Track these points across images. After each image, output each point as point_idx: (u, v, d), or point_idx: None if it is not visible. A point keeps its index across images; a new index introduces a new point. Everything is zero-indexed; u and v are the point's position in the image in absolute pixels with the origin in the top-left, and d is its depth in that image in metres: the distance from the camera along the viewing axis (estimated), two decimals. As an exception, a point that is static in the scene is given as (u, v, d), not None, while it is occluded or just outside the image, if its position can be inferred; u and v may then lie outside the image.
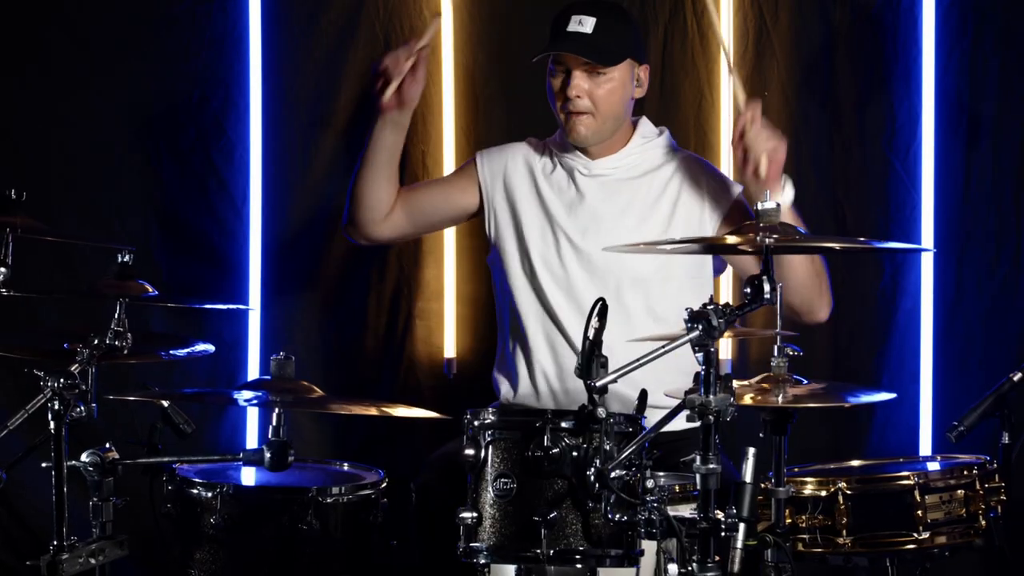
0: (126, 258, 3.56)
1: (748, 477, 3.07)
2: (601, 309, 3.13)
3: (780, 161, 3.92)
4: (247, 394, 3.49)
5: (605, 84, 4.09)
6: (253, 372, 4.90)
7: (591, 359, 3.10)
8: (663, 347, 3.08)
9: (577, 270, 4.14)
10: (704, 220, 4.17)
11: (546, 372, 4.17)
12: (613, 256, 4.06)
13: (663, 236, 4.13)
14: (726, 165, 4.87)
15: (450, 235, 4.91)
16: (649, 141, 4.24)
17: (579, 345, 3.14)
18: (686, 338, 3.02)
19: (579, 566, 3.15)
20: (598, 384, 3.08)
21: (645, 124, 4.27)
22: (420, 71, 4.14)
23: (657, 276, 4.14)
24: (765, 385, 3.46)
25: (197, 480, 3.61)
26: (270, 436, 3.29)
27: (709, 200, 4.18)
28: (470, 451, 3.20)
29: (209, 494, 3.57)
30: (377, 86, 4.13)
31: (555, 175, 4.24)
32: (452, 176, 4.45)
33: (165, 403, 3.69)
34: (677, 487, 3.44)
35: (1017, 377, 3.85)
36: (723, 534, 3.02)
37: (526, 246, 4.20)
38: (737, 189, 4.22)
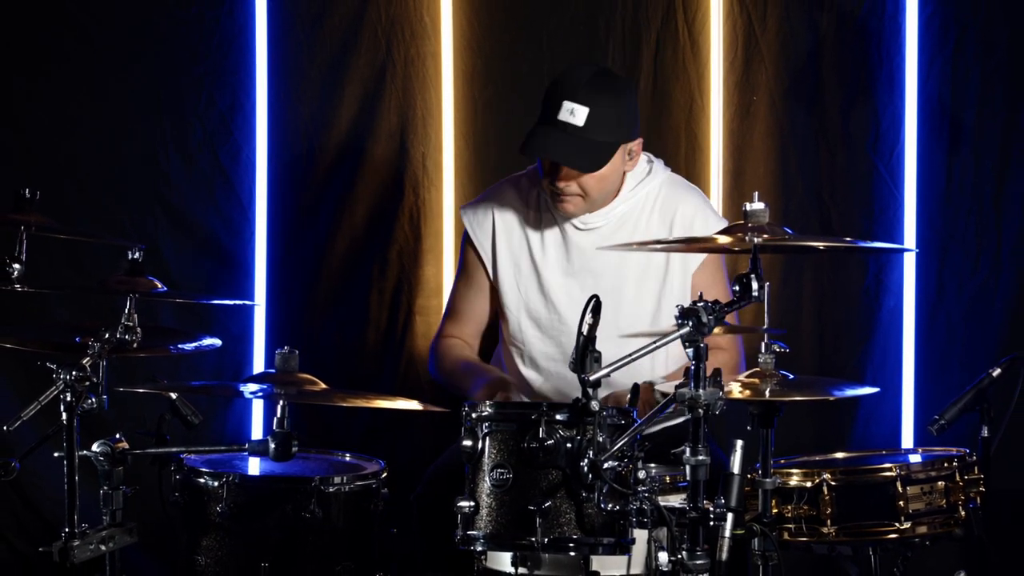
0: (136, 255, 3.56)
1: (736, 468, 3.08)
2: (595, 306, 3.14)
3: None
4: (252, 387, 3.49)
5: (595, 177, 3.94)
6: (258, 366, 4.90)
7: (585, 354, 3.11)
8: (654, 343, 3.09)
9: (571, 331, 4.09)
10: (689, 260, 4.11)
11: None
12: (610, 310, 4.06)
13: (659, 290, 4.10)
14: (715, 170, 4.88)
15: (449, 235, 4.92)
16: (640, 182, 4.10)
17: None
18: (676, 334, 3.03)
19: (572, 554, 3.16)
20: (591, 378, 3.09)
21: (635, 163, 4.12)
22: None
23: (652, 322, 4.11)
24: (753, 380, 3.47)
25: (204, 469, 3.61)
26: (275, 427, 3.29)
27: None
28: (468, 442, 3.21)
29: (216, 483, 3.57)
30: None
31: (546, 231, 4.12)
32: (471, 276, 4.23)
33: (173, 395, 3.69)
34: (667, 478, 3.44)
35: (996, 373, 3.85)
36: (712, 523, 3.03)
37: (520, 309, 4.16)
38: (721, 225, 4.17)
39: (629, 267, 4.10)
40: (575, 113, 3.87)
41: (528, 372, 4.18)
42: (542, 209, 4.14)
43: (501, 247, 4.17)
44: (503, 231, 4.17)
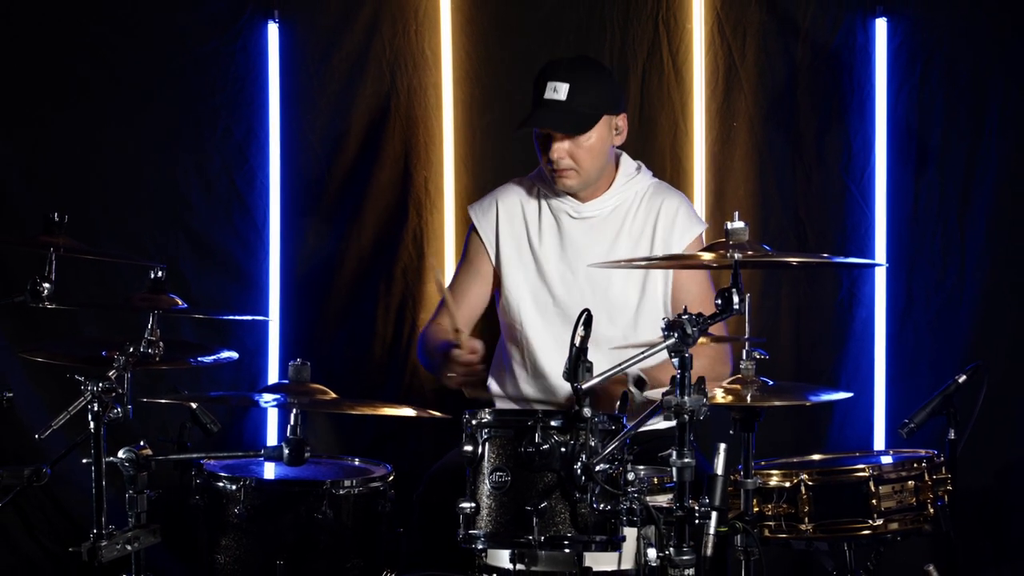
0: (158, 274, 3.57)
1: (719, 470, 3.08)
2: (586, 319, 3.15)
3: None
4: (268, 396, 3.50)
5: (584, 143, 4.01)
6: (273, 377, 4.90)
7: (577, 364, 3.12)
8: (642, 352, 3.09)
9: (565, 312, 4.13)
10: (674, 250, 4.14)
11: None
12: (599, 295, 4.08)
13: (643, 275, 4.12)
14: (698, 191, 4.88)
15: (450, 252, 4.93)
16: (631, 179, 4.19)
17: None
18: (663, 345, 3.03)
19: (567, 551, 3.16)
20: (584, 387, 3.10)
21: (626, 162, 4.21)
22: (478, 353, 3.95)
23: (637, 310, 4.14)
24: (735, 386, 3.47)
25: (223, 474, 3.62)
26: (288, 434, 3.30)
27: (680, 233, 4.16)
28: (469, 447, 3.21)
29: (234, 487, 3.57)
30: (451, 380, 3.98)
31: (544, 221, 4.19)
32: (471, 261, 4.26)
33: (194, 405, 3.70)
34: (655, 479, 3.45)
35: (962, 379, 3.86)
36: (697, 522, 3.03)
37: (519, 291, 4.18)
38: (701, 227, 4.22)
39: (618, 253, 4.13)
40: (557, 90, 3.99)
41: (528, 353, 4.19)
42: (541, 202, 4.21)
43: (504, 234, 4.21)
44: (506, 220, 4.22)
